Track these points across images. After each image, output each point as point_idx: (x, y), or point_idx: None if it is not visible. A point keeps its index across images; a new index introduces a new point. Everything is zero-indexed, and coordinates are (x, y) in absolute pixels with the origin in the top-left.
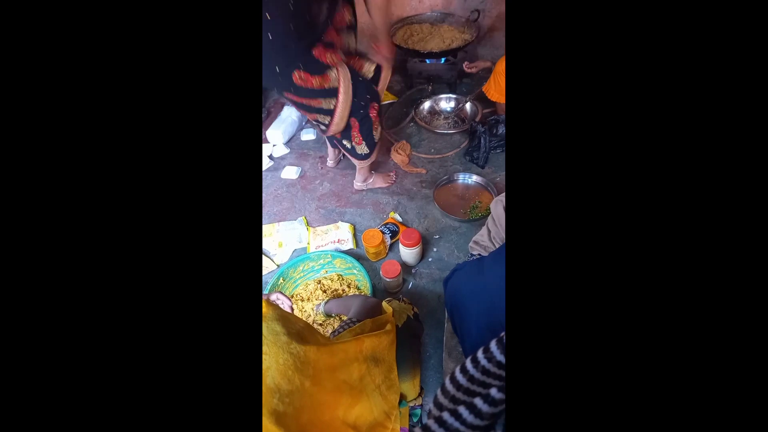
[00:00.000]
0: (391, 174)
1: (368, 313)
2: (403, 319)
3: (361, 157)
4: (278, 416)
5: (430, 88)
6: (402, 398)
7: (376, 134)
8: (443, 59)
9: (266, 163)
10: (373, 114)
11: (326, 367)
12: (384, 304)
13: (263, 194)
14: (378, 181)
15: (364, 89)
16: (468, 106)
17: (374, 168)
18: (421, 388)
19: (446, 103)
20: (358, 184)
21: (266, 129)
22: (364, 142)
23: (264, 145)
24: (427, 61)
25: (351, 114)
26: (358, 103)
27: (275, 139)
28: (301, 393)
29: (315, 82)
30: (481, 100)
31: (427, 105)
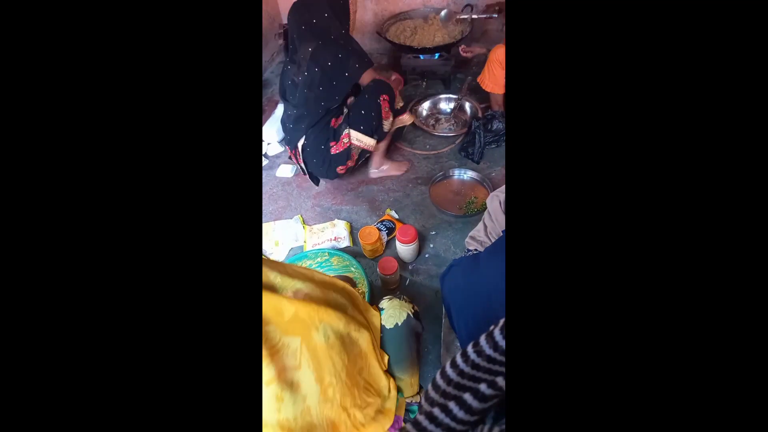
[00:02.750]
0: (406, 162)
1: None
2: (403, 318)
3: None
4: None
5: (423, 84)
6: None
7: (387, 124)
8: (437, 55)
9: None
10: (385, 107)
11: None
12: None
13: None
14: (392, 169)
15: (374, 90)
16: (468, 107)
17: (389, 156)
18: (420, 387)
19: (446, 104)
20: (373, 170)
21: None
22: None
23: None
24: (421, 56)
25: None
26: (374, 101)
27: (269, 137)
28: None
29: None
30: (476, 94)
31: (426, 106)
